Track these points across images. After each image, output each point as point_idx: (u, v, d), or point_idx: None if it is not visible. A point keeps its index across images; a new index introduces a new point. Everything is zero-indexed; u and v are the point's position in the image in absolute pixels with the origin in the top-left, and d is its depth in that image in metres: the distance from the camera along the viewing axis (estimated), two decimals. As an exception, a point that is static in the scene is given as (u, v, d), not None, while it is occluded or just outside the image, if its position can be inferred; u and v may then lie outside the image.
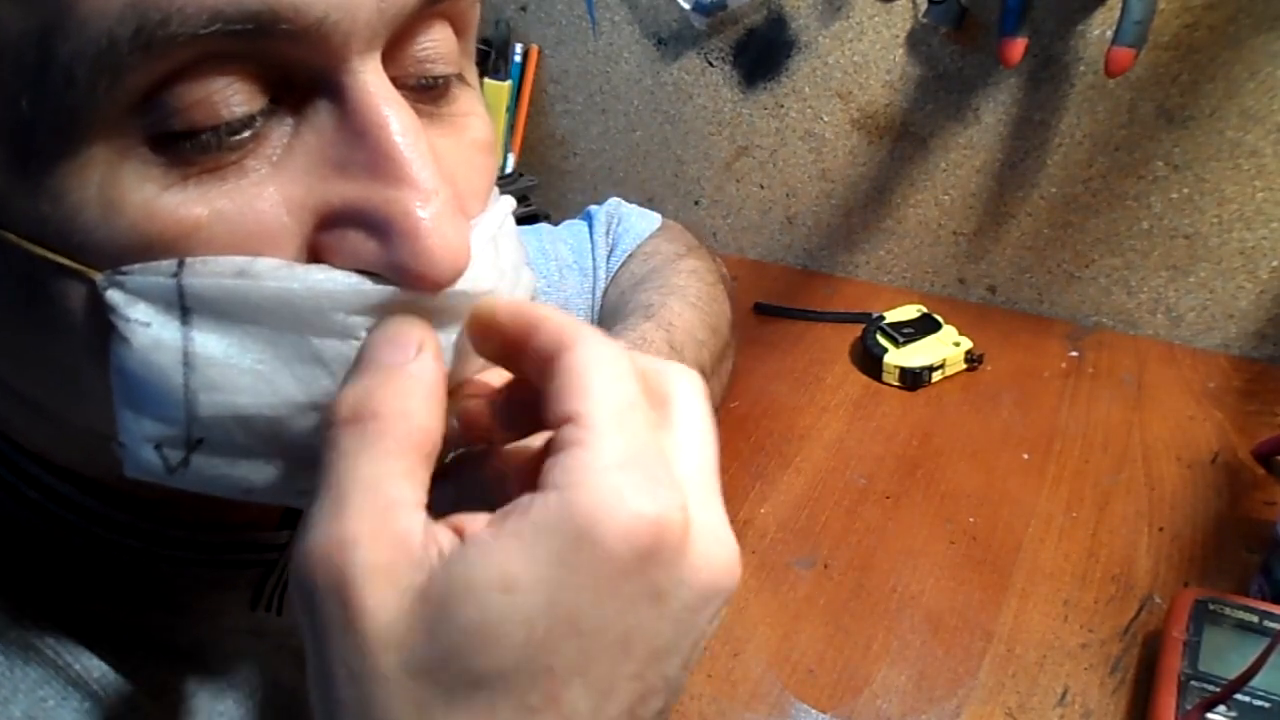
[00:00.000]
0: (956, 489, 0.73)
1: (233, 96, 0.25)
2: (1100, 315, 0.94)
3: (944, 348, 0.85)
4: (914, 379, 0.84)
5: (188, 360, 0.26)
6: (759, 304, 0.96)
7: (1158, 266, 0.89)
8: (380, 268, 0.27)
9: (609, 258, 0.69)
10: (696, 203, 1.08)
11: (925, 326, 0.88)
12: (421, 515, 0.24)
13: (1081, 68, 0.84)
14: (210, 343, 0.26)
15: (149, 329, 0.25)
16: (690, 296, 0.63)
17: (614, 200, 0.74)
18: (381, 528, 0.23)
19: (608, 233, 0.71)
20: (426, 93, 0.30)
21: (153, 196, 0.25)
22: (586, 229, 0.71)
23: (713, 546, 0.26)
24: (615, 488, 0.23)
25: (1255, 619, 0.55)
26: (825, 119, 0.98)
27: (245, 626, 0.39)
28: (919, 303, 0.92)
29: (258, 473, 0.28)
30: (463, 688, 0.23)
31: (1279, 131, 0.79)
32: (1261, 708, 0.51)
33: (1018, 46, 0.77)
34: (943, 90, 0.90)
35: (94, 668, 0.33)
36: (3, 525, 0.34)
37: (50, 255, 0.25)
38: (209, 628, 0.37)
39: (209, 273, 0.25)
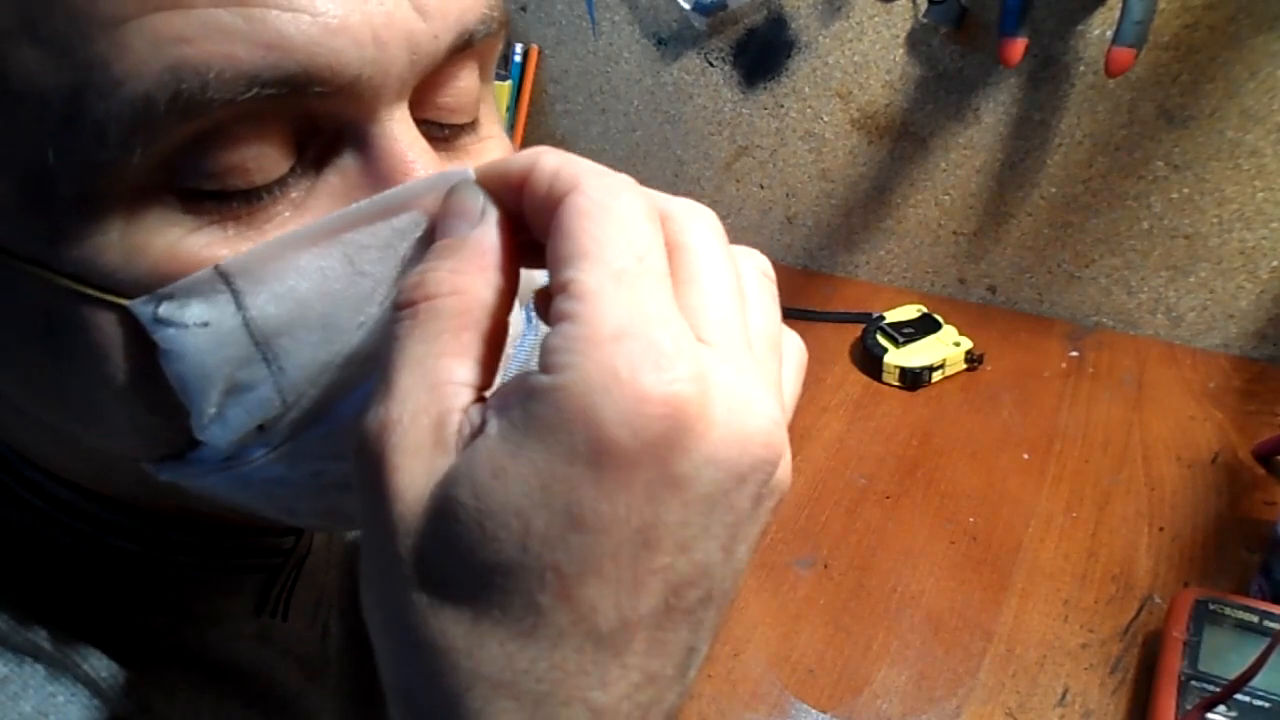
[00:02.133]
0: (956, 489, 0.73)
1: (265, 161, 0.25)
2: (1100, 315, 0.94)
3: (944, 348, 0.85)
4: (914, 379, 0.84)
5: (256, 338, 0.26)
6: (759, 304, 0.96)
7: (1158, 266, 0.89)
8: None
9: None
10: (696, 203, 1.07)
11: (925, 326, 0.88)
12: (468, 395, 0.23)
13: (1081, 68, 0.84)
14: (269, 309, 0.25)
15: (208, 328, 0.25)
16: None
17: None
18: (422, 408, 0.22)
19: None
20: (448, 128, 0.30)
21: (176, 240, 0.25)
22: None
23: (742, 417, 0.22)
24: (610, 367, 0.21)
25: (1255, 619, 0.55)
26: (825, 119, 0.98)
27: (251, 631, 0.39)
28: (919, 303, 0.92)
29: (323, 446, 0.28)
30: (466, 582, 0.22)
31: (1279, 131, 0.79)
32: (1261, 708, 0.51)
33: (1018, 46, 0.77)
34: (943, 90, 0.90)
35: (102, 668, 0.33)
36: (8, 533, 0.34)
37: (83, 289, 0.25)
38: (214, 633, 0.37)
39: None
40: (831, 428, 0.80)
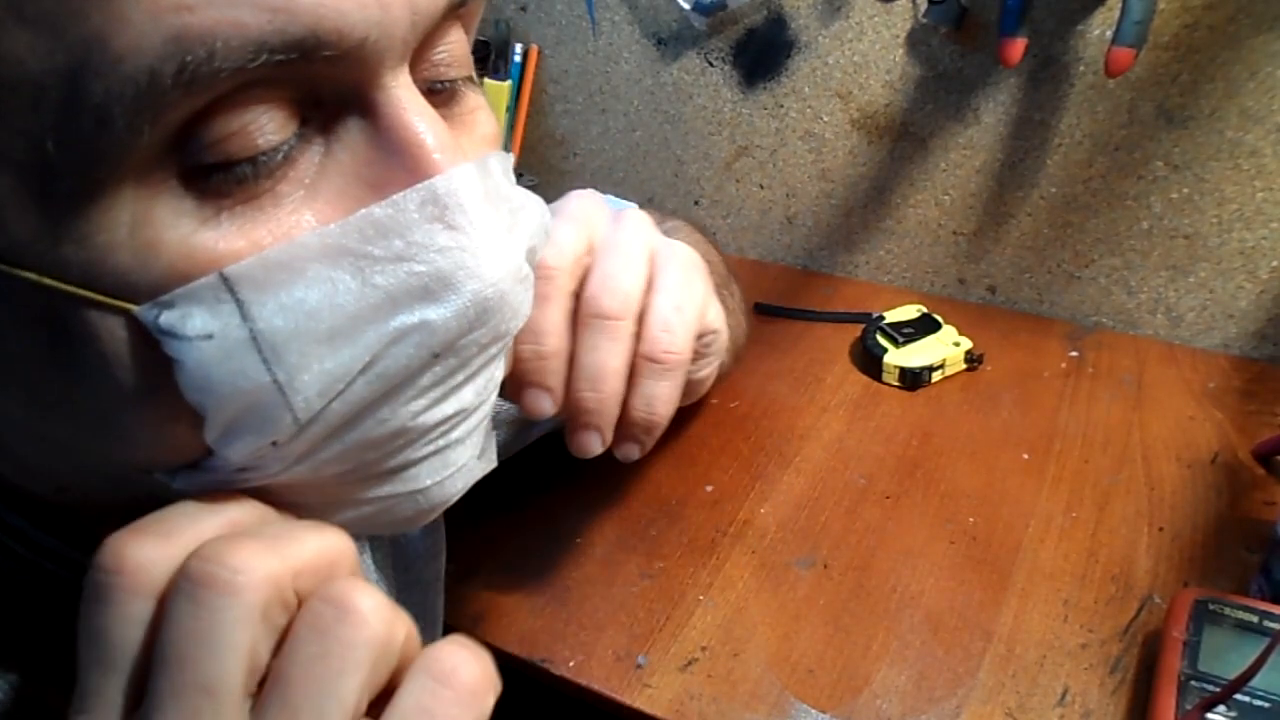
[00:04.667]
0: (956, 489, 0.73)
1: (267, 125, 0.24)
2: (1100, 315, 0.94)
3: (944, 348, 0.85)
4: (914, 379, 0.84)
5: (263, 351, 0.25)
6: (759, 304, 0.96)
7: (1158, 266, 0.89)
8: None
9: None
10: (696, 203, 1.08)
11: (925, 326, 0.88)
12: None
13: (1081, 68, 0.84)
14: (276, 321, 0.25)
15: (212, 341, 0.24)
16: (679, 236, 0.63)
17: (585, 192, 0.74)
18: None
19: None
20: (441, 94, 0.30)
21: (189, 233, 0.24)
22: None
23: None
24: None
25: (1255, 619, 0.55)
26: (825, 119, 0.98)
27: None
28: (919, 303, 0.92)
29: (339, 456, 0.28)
30: None
31: (1279, 131, 0.79)
32: (1261, 708, 0.50)
33: (1018, 46, 0.77)
34: (943, 90, 0.90)
35: None
36: None
37: (87, 294, 0.23)
38: None
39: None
40: (831, 428, 0.80)
